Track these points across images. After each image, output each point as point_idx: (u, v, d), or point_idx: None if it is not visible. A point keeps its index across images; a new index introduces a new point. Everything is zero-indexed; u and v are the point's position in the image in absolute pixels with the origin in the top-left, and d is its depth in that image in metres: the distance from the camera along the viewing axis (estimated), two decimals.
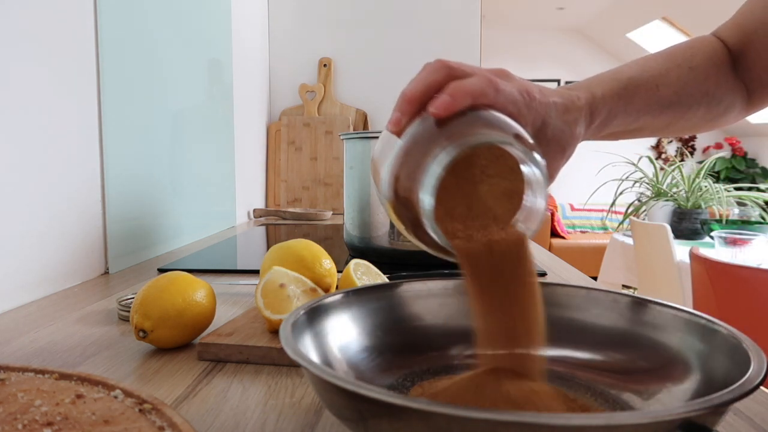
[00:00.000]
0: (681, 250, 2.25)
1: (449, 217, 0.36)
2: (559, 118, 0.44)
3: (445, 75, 0.40)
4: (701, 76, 0.54)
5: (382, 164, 0.38)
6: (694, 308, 1.83)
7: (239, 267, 0.91)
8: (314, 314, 0.40)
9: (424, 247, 0.38)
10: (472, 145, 0.33)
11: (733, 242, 1.97)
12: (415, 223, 0.36)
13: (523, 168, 0.36)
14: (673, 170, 2.68)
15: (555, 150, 0.44)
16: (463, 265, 0.35)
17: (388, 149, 0.38)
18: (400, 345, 0.44)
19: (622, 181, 2.97)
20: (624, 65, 0.52)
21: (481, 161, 0.37)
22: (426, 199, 0.33)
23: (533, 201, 0.36)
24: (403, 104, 0.39)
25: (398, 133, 0.38)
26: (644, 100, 0.50)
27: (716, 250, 2.00)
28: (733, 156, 5.24)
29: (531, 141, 0.36)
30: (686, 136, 5.50)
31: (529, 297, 0.35)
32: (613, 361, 0.42)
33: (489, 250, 0.34)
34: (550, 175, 0.44)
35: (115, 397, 0.36)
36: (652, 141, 5.54)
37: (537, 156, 0.35)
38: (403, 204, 0.36)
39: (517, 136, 0.35)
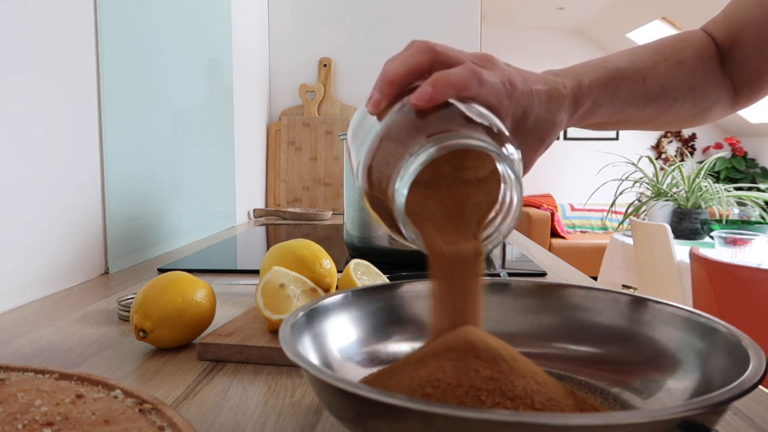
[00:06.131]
0: (681, 250, 2.25)
1: (421, 215, 0.36)
2: (542, 107, 0.43)
3: (430, 59, 0.40)
4: (688, 70, 0.53)
5: (357, 146, 0.38)
6: (694, 308, 1.83)
7: (239, 267, 0.91)
8: (313, 315, 0.40)
9: (391, 233, 0.38)
10: (451, 148, 0.33)
11: (733, 242, 1.97)
12: (385, 212, 0.36)
13: (499, 166, 0.36)
14: (673, 170, 2.68)
15: (534, 139, 0.44)
16: (431, 261, 0.36)
17: (365, 131, 0.38)
18: (400, 346, 0.44)
19: (622, 181, 2.97)
20: (613, 54, 0.52)
21: (457, 159, 0.37)
22: (399, 195, 0.33)
23: (509, 198, 0.36)
24: (384, 85, 0.39)
25: (377, 115, 0.38)
26: (630, 91, 0.50)
27: (716, 250, 2.00)
28: (733, 156, 5.24)
29: (507, 135, 0.36)
30: (686, 136, 5.50)
31: (476, 297, 0.36)
32: (612, 361, 0.42)
33: (456, 254, 0.35)
34: (527, 165, 0.44)
35: (115, 397, 0.36)
36: (652, 141, 5.55)
37: (513, 152, 0.36)
38: (376, 194, 0.36)
39: (494, 131, 0.36)
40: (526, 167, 0.44)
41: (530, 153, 0.45)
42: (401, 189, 0.33)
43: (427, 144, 0.34)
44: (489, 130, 0.36)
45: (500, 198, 0.37)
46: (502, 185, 0.36)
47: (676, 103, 0.53)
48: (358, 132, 0.40)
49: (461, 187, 0.37)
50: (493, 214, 0.37)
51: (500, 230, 0.37)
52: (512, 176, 0.35)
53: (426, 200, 0.36)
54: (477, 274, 0.36)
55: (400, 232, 0.36)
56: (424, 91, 0.36)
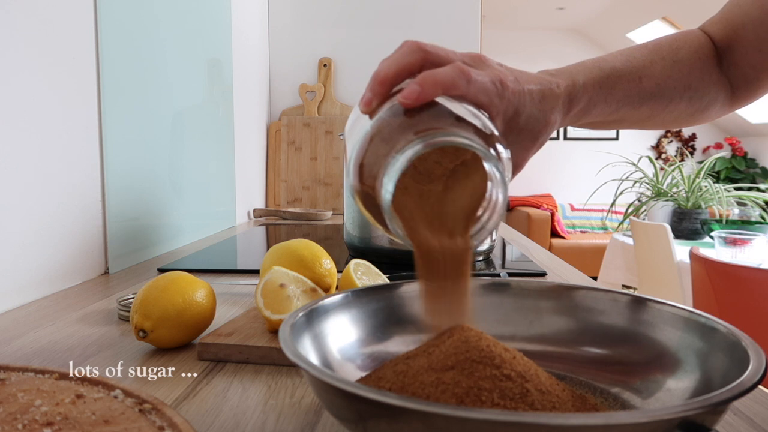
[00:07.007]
0: (681, 250, 2.25)
1: (410, 211, 0.36)
2: (534, 106, 0.43)
3: (420, 59, 0.40)
4: (685, 69, 0.53)
5: (349, 146, 0.39)
6: (694, 308, 1.83)
7: (239, 267, 0.91)
8: (313, 315, 0.41)
9: (382, 230, 0.39)
10: (437, 145, 0.34)
11: (733, 242, 1.97)
12: (376, 209, 0.36)
13: (486, 165, 0.36)
14: (673, 170, 2.68)
15: (526, 138, 0.44)
16: (417, 257, 0.37)
17: (357, 130, 0.39)
18: (400, 346, 0.44)
19: (622, 181, 2.97)
20: (609, 54, 0.52)
21: (445, 158, 0.37)
22: (385, 191, 0.34)
23: (495, 196, 0.37)
24: (375, 85, 0.39)
25: (368, 114, 0.39)
26: (626, 90, 0.50)
27: (716, 250, 2.00)
28: (733, 156, 5.24)
29: (497, 134, 0.37)
30: (686, 136, 5.50)
31: (464, 292, 0.37)
32: (612, 360, 0.42)
33: (441, 251, 0.36)
34: (519, 163, 0.44)
35: (115, 397, 0.36)
36: (652, 141, 5.54)
37: (502, 151, 0.36)
38: (367, 191, 0.36)
39: (482, 130, 0.36)
40: (519, 166, 0.44)
41: (523, 152, 0.45)
42: (387, 185, 0.34)
43: (414, 141, 0.34)
44: (477, 129, 0.36)
45: (487, 196, 0.37)
46: (489, 183, 0.37)
47: (672, 102, 0.53)
48: (352, 131, 0.40)
49: (451, 185, 0.37)
50: (480, 211, 0.37)
51: (486, 227, 0.37)
52: (498, 175, 0.35)
53: (415, 197, 0.36)
54: (465, 270, 0.36)
55: (387, 227, 0.37)
56: (411, 89, 0.37)
